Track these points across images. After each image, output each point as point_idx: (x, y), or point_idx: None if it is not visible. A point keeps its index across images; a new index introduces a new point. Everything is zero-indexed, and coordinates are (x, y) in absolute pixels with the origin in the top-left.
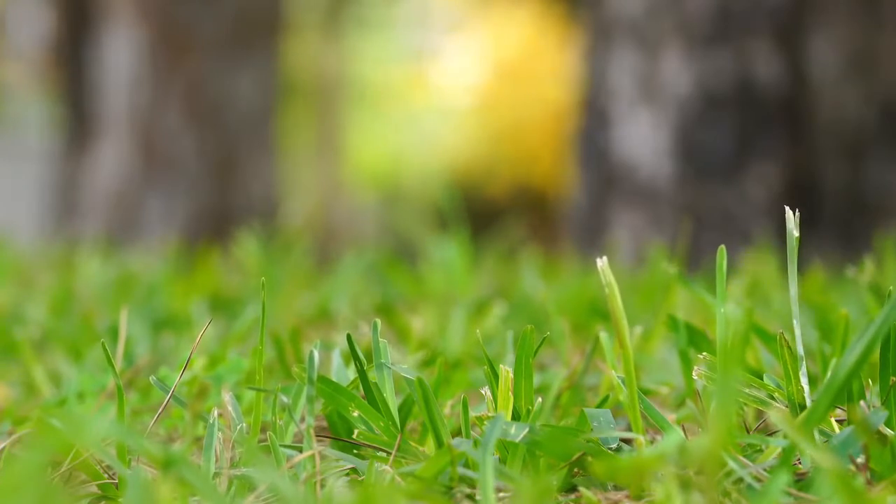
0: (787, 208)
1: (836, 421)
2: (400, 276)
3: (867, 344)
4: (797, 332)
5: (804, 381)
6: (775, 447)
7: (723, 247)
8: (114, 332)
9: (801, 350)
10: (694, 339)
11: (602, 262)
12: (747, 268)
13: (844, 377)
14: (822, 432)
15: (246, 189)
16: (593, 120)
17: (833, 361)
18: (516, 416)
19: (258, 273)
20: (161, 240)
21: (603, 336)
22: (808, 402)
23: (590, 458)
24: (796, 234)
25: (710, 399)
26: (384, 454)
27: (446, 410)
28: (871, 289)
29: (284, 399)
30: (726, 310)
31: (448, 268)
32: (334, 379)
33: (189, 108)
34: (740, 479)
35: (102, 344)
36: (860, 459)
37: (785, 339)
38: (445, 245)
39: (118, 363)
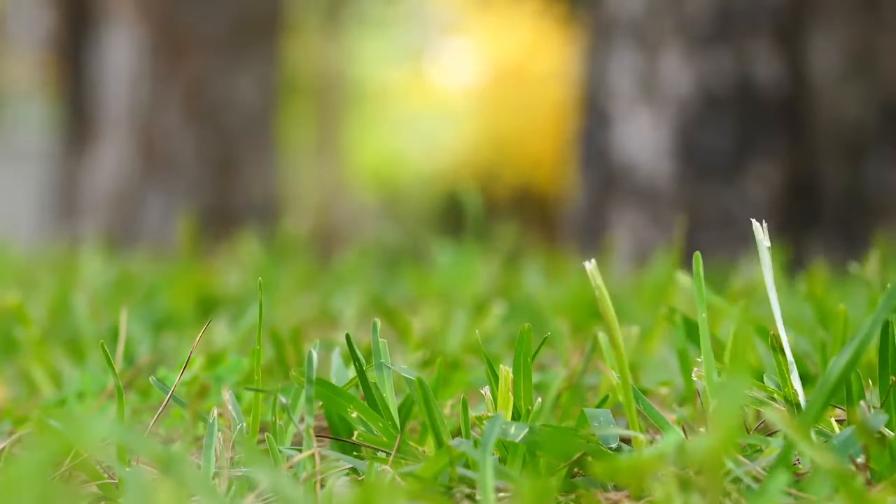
0: (753, 221)
1: (836, 421)
2: (400, 275)
3: (859, 343)
4: (783, 337)
5: (797, 384)
6: (775, 447)
7: (698, 253)
8: (114, 333)
9: (789, 354)
10: (692, 333)
11: (590, 266)
12: (747, 268)
13: (836, 378)
14: (821, 432)
15: (246, 189)
16: (593, 120)
17: (832, 361)
18: (516, 416)
19: (259, 273)
20: (161, 240)
21: (601, 336)
22: (802, 403)
23: (590, 458)
24: (767, 244)
25: (710, 399)
26: (384, 454)
27: (446, 410)
28: (875, 286)
29: (284, 399)
30: (730, 312)
31: (452, 269)
32: (334, 379)
33: (189, 107)
34: (740, 479)
35: (102, 344)
36: (860, 459)
37: (778, 341)
38: (452, 246)
39: (118, 363)
